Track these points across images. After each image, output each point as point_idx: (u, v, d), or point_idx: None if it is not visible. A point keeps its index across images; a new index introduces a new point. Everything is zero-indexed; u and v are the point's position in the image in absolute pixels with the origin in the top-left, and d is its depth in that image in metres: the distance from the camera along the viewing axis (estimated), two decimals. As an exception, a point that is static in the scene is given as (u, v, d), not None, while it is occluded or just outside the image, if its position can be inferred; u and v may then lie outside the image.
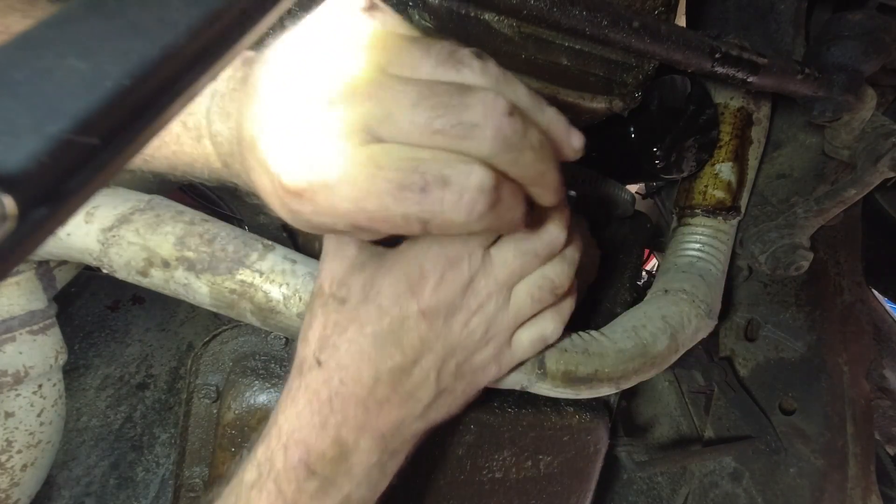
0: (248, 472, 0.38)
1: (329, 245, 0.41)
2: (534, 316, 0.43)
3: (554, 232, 0.39)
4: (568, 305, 0.45)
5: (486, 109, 0.27)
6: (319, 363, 0.38)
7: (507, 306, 0.40)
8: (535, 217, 0.38)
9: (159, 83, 0.14)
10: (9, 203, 0.12)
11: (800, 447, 0.74)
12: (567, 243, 0.40)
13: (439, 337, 0.38)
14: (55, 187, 0.13)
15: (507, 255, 0.39)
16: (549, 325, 0.44)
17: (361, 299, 0.38)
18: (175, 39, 0.14)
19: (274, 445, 0.38)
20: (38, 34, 0.13)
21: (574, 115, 0.53)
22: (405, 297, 0.37)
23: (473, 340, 0.40)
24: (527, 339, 0.43)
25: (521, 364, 0.47)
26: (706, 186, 0.67)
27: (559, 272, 0.41)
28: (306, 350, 0.39)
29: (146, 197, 0.47)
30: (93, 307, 0.69)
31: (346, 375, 0.37)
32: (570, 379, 0.48)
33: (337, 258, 0.40)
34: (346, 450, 0.38)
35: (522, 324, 0.43)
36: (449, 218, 0.28)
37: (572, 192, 0.58)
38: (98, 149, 0.13)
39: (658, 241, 0.93)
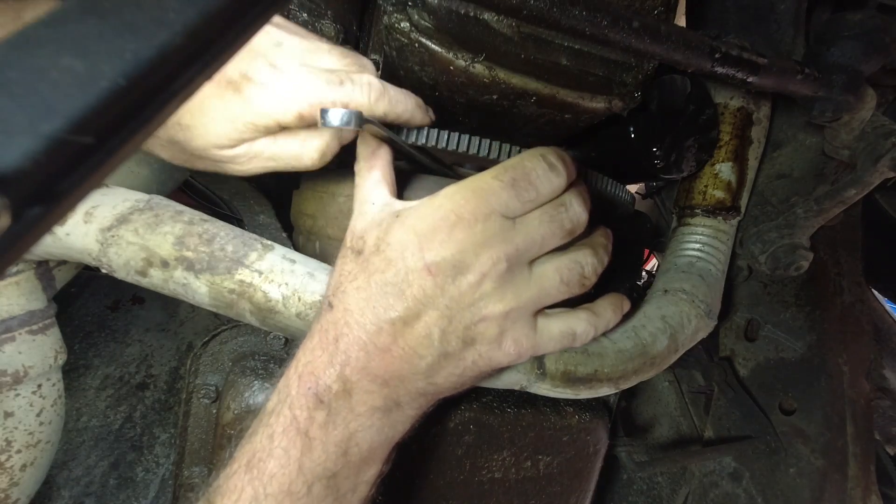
0: (271, 399, 0.41)
1: (355, 205, 0.44)
2: (567, 311, 0.44)
3: (578, 208, 0.42)
4: (606, 318, 0.46)
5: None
6: (331, 306, 0.41)
7: (529, 279, 0.41)
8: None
9: (154, 83, 0.14)
10: (2, 202, 0.11)
11: (800, 447, 0.73)
12: (595, 240, 0.45)
13: (444, 294, 0.38)
14: (49, 186, 0.13)
15: (532, 221, 0.41)
16: (582, 324, 0.44)
17: (374, 251, 0.40)
18: (170, 39, 0.14)
19: (291, 374, 0.41)
20: (33, 33, 0.13)
21: (574, 115, 0.53)
22: (412, 251, 0.39)
23: (485, 305, 0.39)
24: (556, 330, 0.43)
25: (520, 364, 0.47)
26: (706, 186, 0.67)
27: (589, 260, 0.43)
28: (325, 294, 0.43)
29: (145, 197, 0.47)
30: (93, 307, 0.69)
31: (351, 318, 0.39)
32: (570, 379, 0.48)
33: (360, 216, 0.43)
34: (349, 387, 0.39)
35: (552, 312, 0.43)
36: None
37: None
38: (93, 148, 0.13)
39: (658, 241, 0.93)
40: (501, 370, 0.46)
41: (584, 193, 0.43)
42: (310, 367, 0.40)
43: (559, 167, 0.42)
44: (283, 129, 0.41)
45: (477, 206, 0.39)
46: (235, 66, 0.39)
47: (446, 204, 0.39)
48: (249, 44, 0.36)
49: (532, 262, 0.42)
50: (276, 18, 0.42)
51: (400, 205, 0.42)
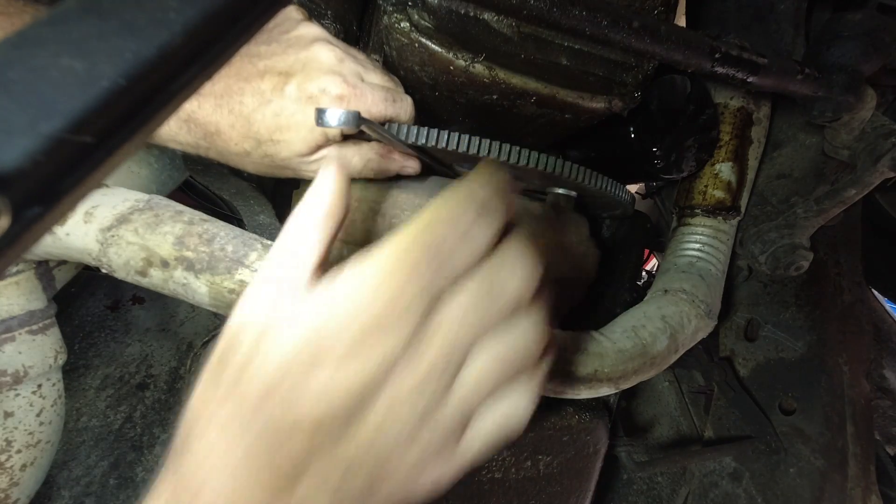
0: None
1: (259, 274, 0.31)
2: (497, 392, 0.31)
3: (522, 272, 0.30)
4: (546, 364, 0.33)
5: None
6: (181, 453, 0.28)
7: (451, 394, 0.29)
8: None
9: (154, 83, 0.14)
10: (2, 202, 0.12)
11: (800, 447, 0.73)
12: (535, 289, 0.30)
13: (336, 445, 0.27)
14: (49, 186, 0.13)
15: (454, 311, 0.28)
16: (521, 400, 0.32)
17: (242, 366, 0.28)
18: (170, 39, 0.14)
19: None
20: (33, 33, 0.13)
21: (574, 115, 0.53)
22: (296, 377, 0.26)
23: (394, 447, 0.28)
24: (491, 425, 0.32)
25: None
26: (706, 186, 0.67)
27: (531, 334, 0.30)
28: (178, 433, 0.29)
29: (145, 197, 0.47)
30: (93, 307, 0.69)
31: (207, 484, 0.27)
32: (570, 379, 0.48)
33: (253, 292, 0.30)
34: None
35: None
36: None
37: (573, 193, 0.58)
38: (92, 148, 0.13)
39: (658, 241, 0.93)
40: None
41: (527, 234, 0.30)
42: None
43: (493, 206, 0.29)
44: (345, 137, 0.46)
45: (392, 298, 0.26)
46: (315, 83, 0.42)
47: (354, 299, 0.26)
48: (318, 58, 0.43)
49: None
50: (324, 34, 0.46)
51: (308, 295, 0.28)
